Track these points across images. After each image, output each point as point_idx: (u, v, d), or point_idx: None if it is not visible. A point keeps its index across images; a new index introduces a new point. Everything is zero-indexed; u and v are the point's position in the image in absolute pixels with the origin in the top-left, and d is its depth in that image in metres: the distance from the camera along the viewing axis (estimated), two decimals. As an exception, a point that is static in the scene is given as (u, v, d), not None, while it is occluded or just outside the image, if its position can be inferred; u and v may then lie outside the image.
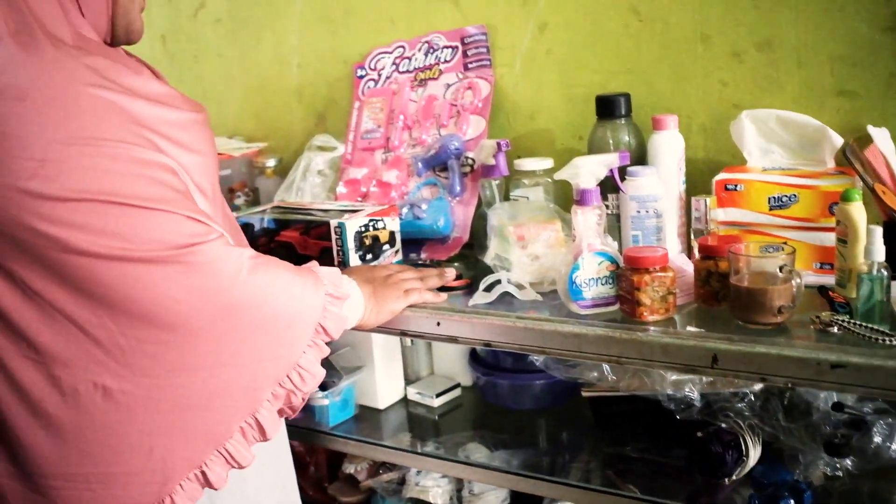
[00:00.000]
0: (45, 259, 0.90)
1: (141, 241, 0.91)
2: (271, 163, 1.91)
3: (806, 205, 1.25)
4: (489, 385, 1.57)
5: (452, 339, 1.26)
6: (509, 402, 1.56)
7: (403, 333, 1.31)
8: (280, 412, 1.06)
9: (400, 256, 1.47)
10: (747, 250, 1.10)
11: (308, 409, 1.57)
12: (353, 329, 1.20)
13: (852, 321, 1.03)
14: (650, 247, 1.24)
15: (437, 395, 1.62)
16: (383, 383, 1.61)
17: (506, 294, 1.28)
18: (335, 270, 1.14)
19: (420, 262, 1.53)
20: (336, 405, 1.57)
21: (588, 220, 1.19)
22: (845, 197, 1.14)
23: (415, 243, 1.56)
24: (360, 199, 1.70)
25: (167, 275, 0.92)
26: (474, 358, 1.62)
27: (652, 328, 1.11)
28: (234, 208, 1.90)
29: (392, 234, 1.45)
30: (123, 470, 0.97)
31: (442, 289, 1.35)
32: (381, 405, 1.63)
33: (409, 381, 1.68)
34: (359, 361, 1.61)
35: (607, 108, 1.43)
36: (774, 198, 1.28)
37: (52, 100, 0.87)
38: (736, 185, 1.30)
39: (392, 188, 1.66)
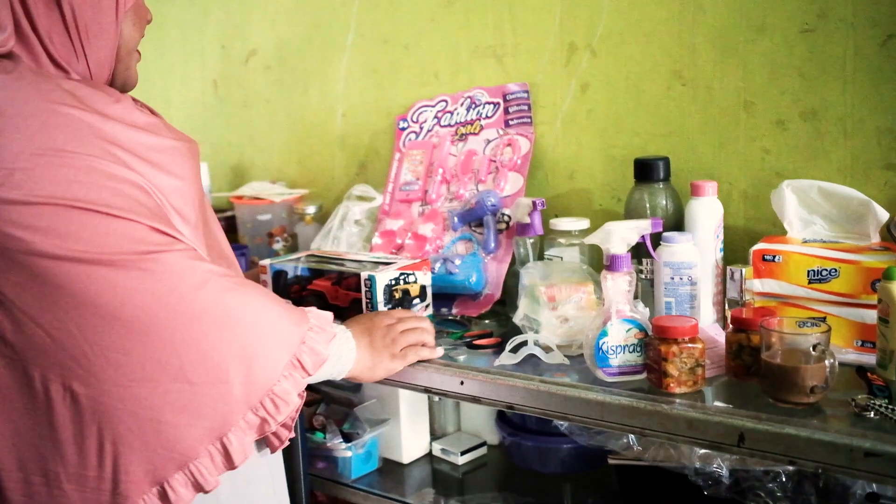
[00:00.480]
0: (14, 262, 0.93)
1: (102, 244, 0.93)
2: (311, 209, 1.93)
3: (847, 280, 1.21)
4: (515, 446, 1.54)
5: (475, 400, 1.24)
6: (535, 464, 1.53)
7: (427, 390, 1.30)
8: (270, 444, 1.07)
9: (430, 311, 1.46)
10: (779, 325, 1.07)
11: (331, 459, 1.56)
12: (347, 379, 1.19)
13: (891, 406, 0.99)
14: (680, 316, 1.21)
15: (463, 453, 1.59)
16: (408, 437, 1.59)
17: (532, 355, 1.26)
18: (328, 315, 1.14)
19: (450, 317, 1.52)
20: (359, 457, 1.55)
21: (618, 285, 1.17)
22: (888, 275, 1.10)
23: (447, 298, 1.55)
24: (394, 250, 1.70)
25: (127, 279, 0.94)
26: (501, 417, 1.59)
27: (678, 401, 1.08)
28: (272, 253, 1.92)
29: (423, 288, 1.44)
30: (81, 472, 0.98)
31: (470, 346, 1.34)
32: (406, 459, 1.61)
33: (435, 437, 1.66)
34: (385, 414, 1.59)
35: (645, 171, 1.41)
36: (814, 271, 1.24)
37: (26, 116, 0.94)
38: (774, 256, 1.27)
39: (427, 241, 1.66)
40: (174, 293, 0.96)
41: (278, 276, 1.48)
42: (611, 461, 1.40)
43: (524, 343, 1.28)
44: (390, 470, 1.60)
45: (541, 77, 1.64)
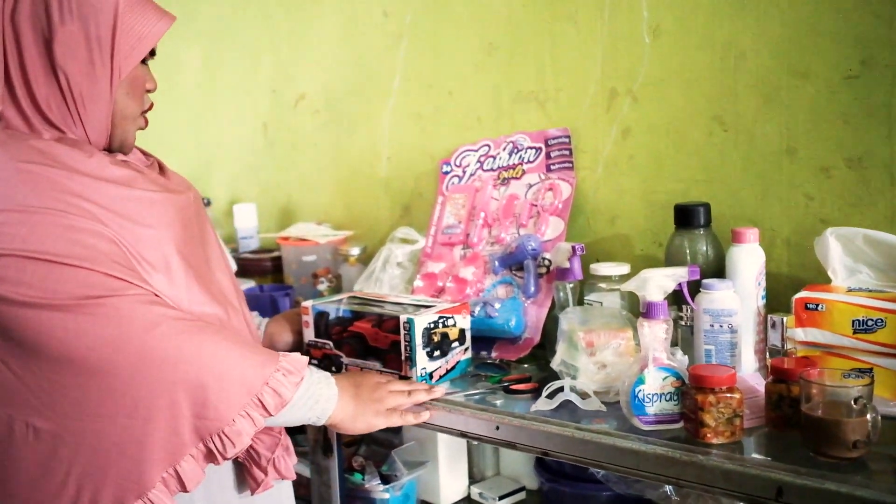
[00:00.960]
0: None
1: (55, 291, 1.01)
2: (355, 251, 1.96)
3: (894, 330, 1.18)
4: (553, 492, 1.52)
5: (511, 445, 1.24)
6: (572, 511, 1.51)
7: (464, 434, 1.30)
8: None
9: (469, 354, 1.46)
10: (820, 377, 1.05)
11: (368, 500, 1.56)
12: (328, 426, 1.23)
13: (935, 463, 0.96)
14: (718, 365, 1.19)
15: (500, 498, 1.58)
16: (446, 481, 1.59)
17: (569, 401, 1.25)
18: (302, 361, 1.17)
19: (490, 360, 1.52)
20: (397, 499, 1.55)
21: (654, 333, 1.16)
22: (934, 326, 1.08)
23: (486, 341, 1.55)
24: (436, 293, 1.71)
25: (77, 322, 1.02)
26: (540, 462, 1.58)
27: (714, 452, 1.06)
28: (317, 293, 1.95)
29: (462, 331, 1.45)
30: None
31: (508, 391, 1.34)
32: (443, 503, 1.60)
33: (474, 480, 1.65)
34: (423, 457, 1.59)
35: (686, 216, 1.41)
36: (859, 321, 1.21)
37: None
38: (817, 305, 1.24)
39: (468, 285, 1.67)
40: (123, 335, 1.03)
41: (320, 316, 1.50)
42: (650, 511, 1.38)
43: (560, 389, 1.27)
44: (427, 513, 1.60)
45: (582, 122, 1.65)
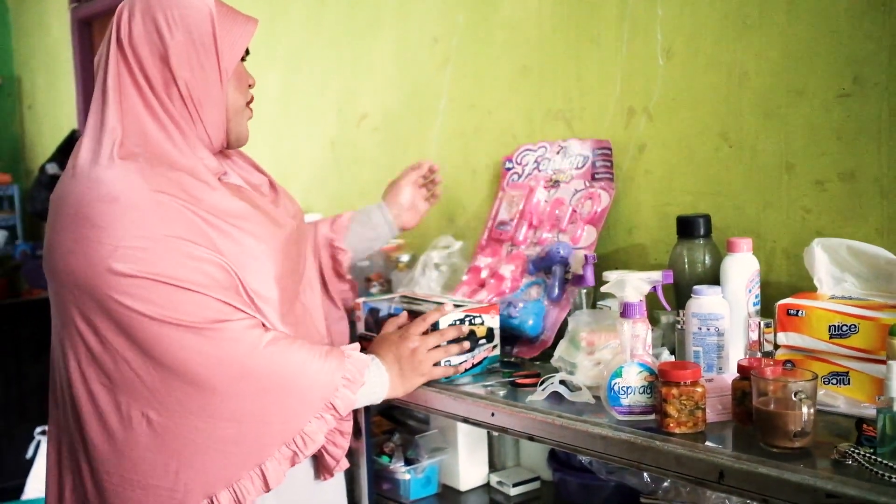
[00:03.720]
0: (113, 317, 1.20)
1: (175, 311, 1.19)
2: (405, 258, 2.11)
3: (866, 336, 1.24)
4: (562, 482, 1.63)
5: (504, 430, 1.36)
6: (579, 500, 1.61)
7: (465, 420, 1.43)
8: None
9: (496, 352, 1.56)
10: (765, 374, 1.13)
11: (393, 481, 1.71)
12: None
13: (867, 454, 1.03)
14: (687, 362, 1.28)
15: (515, 485, 1.70)
16: (465, 467, 1.72)
17: (559, 393, 1.36)
18: (364, 360, 1.35)
19: (509, 358, 1.63)
20: (418, 481, 1.69)
21: (631, 331, 1.26)
22: (894, 331, 1.14)
23: (511, 339, 1.66)
24: (478, 286, 1.82)
25: (191, 341, 1.20)
26: (552, 454, 1.69)
27: (674, 440, 1.15)
28: (369, 295, 2.12)
29: (490, 330, 1.55)
30: (155, 483, 1.23)
31: (514, 385, 1.45)
32: (463, 487, 1.74)
33: (494, 469, 1.77)
34: (444, 444, 1.73)
35: (686, 227, 1.49)
36: (835, 326, 1.28)
37: (134, 204, 1.19)
38: (798, 311, 1.31)
39: (504, 282, 1.78)
40: (228, 356, 1.22)
41: (371, 312, 1.64)
42: (643, 500, 1.47)
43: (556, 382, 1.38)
44: (448, 495, 1.74)
45: (603, 139, 1.76)
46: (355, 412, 1.50)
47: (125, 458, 1.24)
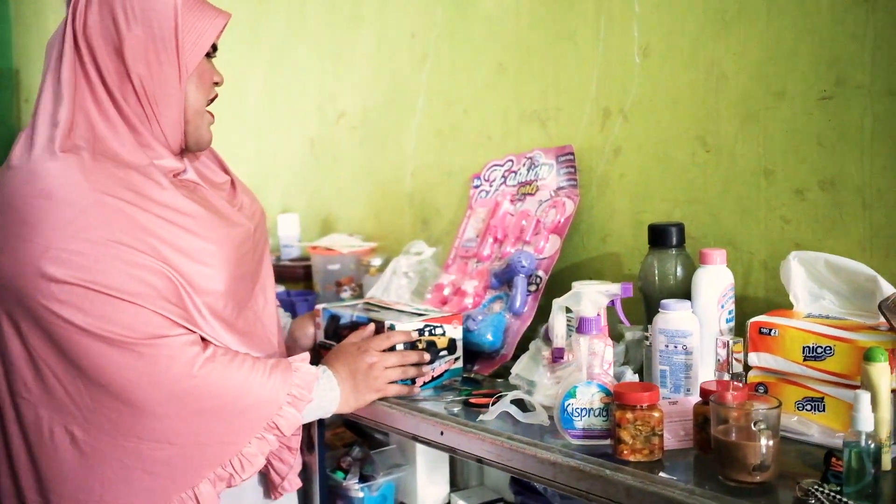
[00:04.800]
0: (42, 326, 1.12)
1: (111, 323, 1.11)
2: (376, 262, 2.03)
3: (841, 359, 1.15)
4: (524, 505, 1.54)
5: (452, 451, 1.27)
6: (541, 525, 1.52)
7: (415, 438, 1.35)
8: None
9: (459, 365, 1.48)
10: (724, 399, 1.04)
11: (346, 499, 1.63)
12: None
13: (831, 493, 0.93)
14: (644, 383, 1.19)
15: (477, 507, 1.61)
16: (424, 487, 1.63)
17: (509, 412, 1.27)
18: (313, 374, 1.27)
19: (467, 374, 1.55)
20: (373, 499, 1.61)
21: (587, 348, 1.18)
22: (868, 356, 1.05)
23: (473, 355, 1.58)
24: (440, 304, 1.75)
25: (125, 358, 1.12)
26: (513, 478, 1.60)
27: (628, 469, 1.06)
28: (339, 301, 2.04)
29: (452, 341, 1.47)
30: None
31: (466, 405, 1.36)
32: (421, 508, 1.65)
33: (457, 489, 1.69)
34: (402, 461, 1.64)
35: (658, 237, 1.40)
36: (809, 347, 1.18)
37: (70, 201, 1.11)
38: (771, 330, 1.22)
39: (466, 297, 1.70)
40: (160, 375, 1.14)
41: (331, 320, 1.56)
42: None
43: (515, 401, 1.29)
44: (405, 516, 1.65)
45: (579, 141, 1.67)
46: (307, 425, 1.43)
47: (47, 478, 1.16)
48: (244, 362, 1.22)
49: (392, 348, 1.39)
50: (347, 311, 1.57)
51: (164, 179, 1.21)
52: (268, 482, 1.32)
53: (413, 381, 1.40)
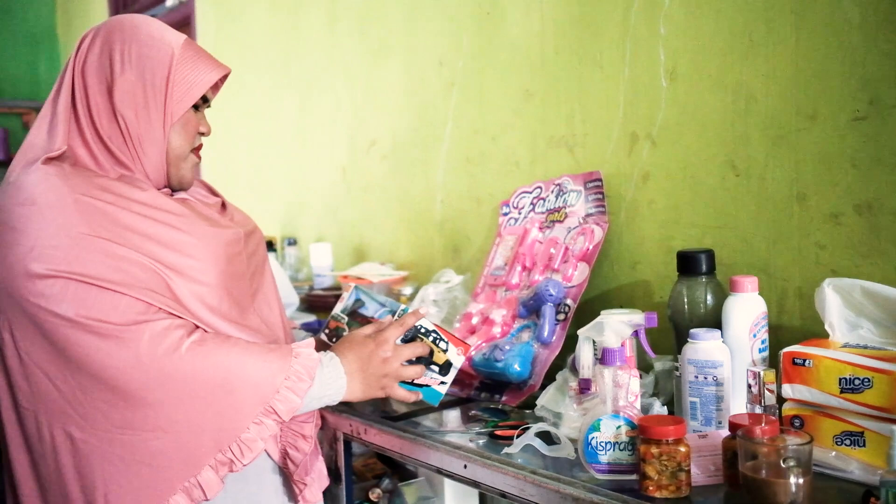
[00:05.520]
0: (29, 321, 1.13)
1: (92, 311, 1.12)
2: (407, 290, 2.02)
3: (881, 392, 1.10)
4: (555, 541, 1.50)
5: (475, 484, 1.25)
6: (572, 562, 1.47)
7: (439, 471, 1.32)
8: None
9: (443, 391, 1.36)
10: (753, 434, 0.99)
11: (375, 533, 1.61)
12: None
13: (867, 535, 0.88)
14: (671, 416, 1.15)
15: (507, 543, 1.57)
16: (453, 520, 1.60)
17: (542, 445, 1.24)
18: (314, 359, 1.23)
19: (495, 405, 1.51)
20: (400, 533, 1.58)
21: (611, 379, 1.14)
22: (908, 388, 1.00)
23: (500, 385, 1.55)
24: (468, 333, 1.73)
25: (108, 345, 1.12)
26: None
27: (651, 506, 1.03)
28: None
29: (448, 364, 1.35)
30: None
31: (494, 437, 1.33)
32: (450, 542, 1.62)
33: (486, 523, 1.65)
34: (431, 493, 1.62)
35: (687, 264, 1.37)
36: (846, 379, 1.13)
37: (51, 204, 1.14)
38: (805, 360, 1.17)
39: (494, 326, 1.68)
40: (147, 359, 1.12)
41: (357, 302, 1.51)
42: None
43: (540, 433, 1.26)
44: (434, 551, 1.62)
45: (607, 167, 1.64)
46: (335, 455, 1.41)
47: (48, 483, 1.17)
48: (237, 344, 1.20)
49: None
50: (375, 305, 1.50)
51: (145, 184, 1.24)
52: (290, 489, 1.31)
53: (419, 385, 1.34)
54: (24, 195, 1.15)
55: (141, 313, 1.14)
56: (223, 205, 1.41)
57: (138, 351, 1.12)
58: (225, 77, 1.34)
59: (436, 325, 1.37)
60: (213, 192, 1.43)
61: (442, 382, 1.35)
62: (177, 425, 1.14)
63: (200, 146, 1.34)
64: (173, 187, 1.31)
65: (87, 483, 1.15)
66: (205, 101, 1.33)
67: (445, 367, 1.36)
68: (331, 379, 1.25)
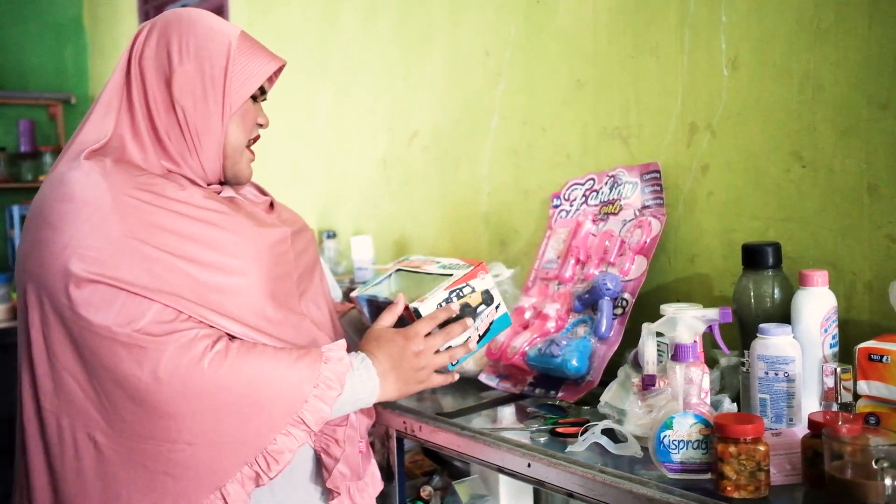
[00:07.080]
0: (63, 322, 1.12)
1: (119, 316, 1.10)
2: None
3: (965, 389, 1.07)
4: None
5: (540, 483, 1.22)
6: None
7: (500, 470, 1.30)
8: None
9: (503, 310, 1.33)
10: (839, 433, 0.97)
11: (429, 528, 1.59)
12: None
13: (965, 539, 0.85)
14: (748, 414, 1.12)
15: (561, 540, 1.55)
16: (507, 518, 1.58)
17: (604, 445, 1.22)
18: (345, 364, 1.19)
19: (551, 401, 1.49)
20: (455, 530, 1.56)
21: (683, 376, 1.12)
22: None
23: (556, 381, 1.53)
24: (521, 328, 1.70)
25: (132, 354, 1.10)
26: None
27: (730, 507, 1.00)
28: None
29: (486, 292, 1.31)
30: None
31: (554, 434, 1.31)
32: (505, 540, 1.60)
33: (541, 520, 1.63)
34: (484, 491, 1.60)
35: (753, 257, 1.33)
36: (927, 375, 1.10)
37: (88, 201, 1.12)
38: (882, 356, 1.14)
39: (548, 321, 1.65)
40: (166, 372, 1.10)
41: (370, 304, 1.42)
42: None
43: (603, 431, 1.24)
44: (489, 547, 1.60)
45: (664, 158, 1.61)
46: (387, 452, 1.39)
47: (71, 486, 1.14)
48: (264, 352, 1.16)
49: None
50: (384, 287, 1.45)
51: (186, 182, 1.22)
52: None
53: (454, 364, 1.30)
54: (62, 190, 1.14)
55: (168, 322, 1.12)
56: (271, 204, 1.39)
57: (160, 364, 1.10)
58: (281, 69, 1.32)
59: (446, 288, 1.30)
60: (263, 192, 1.41)
61: (497, 306, 1.32)
62: (200, 437, 1.12)
63: (257, 138, 1.32)
64: (229, 181, 1.29)
65: (109, 489, 1.13)
66: (262, 92, 1.32)
67: (487, 298, 1.32)
68: (362, 382, 1.22)
